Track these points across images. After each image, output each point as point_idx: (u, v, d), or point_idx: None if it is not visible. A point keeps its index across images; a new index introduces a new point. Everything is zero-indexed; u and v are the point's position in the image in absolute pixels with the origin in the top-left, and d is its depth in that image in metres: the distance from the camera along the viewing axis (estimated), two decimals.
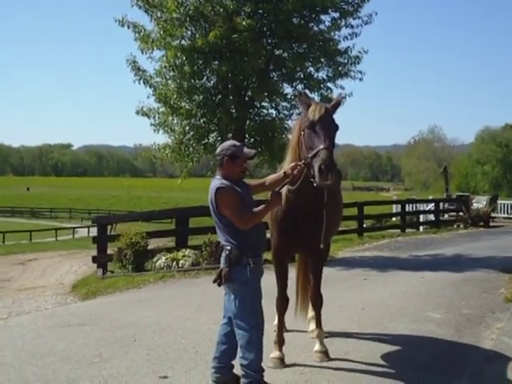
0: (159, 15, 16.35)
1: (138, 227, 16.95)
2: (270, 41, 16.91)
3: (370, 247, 20.79)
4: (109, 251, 17.02)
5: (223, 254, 5.93)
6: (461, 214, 30.04)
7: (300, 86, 17.19)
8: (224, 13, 15.78)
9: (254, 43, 15.67)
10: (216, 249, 14.18)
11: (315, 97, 16.68)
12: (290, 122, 17.41)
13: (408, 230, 27.10)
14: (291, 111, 17.49)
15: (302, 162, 6.33)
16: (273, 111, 17.62)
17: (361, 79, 17.44)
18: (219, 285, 5.91)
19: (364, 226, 25.64)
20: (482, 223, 29.39)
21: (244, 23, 15.34)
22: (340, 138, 6.41)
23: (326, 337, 7.68)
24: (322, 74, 17.24)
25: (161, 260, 15.43)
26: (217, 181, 5.92)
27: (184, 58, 16.05)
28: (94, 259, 17.45)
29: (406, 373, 6.64)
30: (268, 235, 7.30)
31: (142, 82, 16.77)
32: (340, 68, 17.01)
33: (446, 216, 32.11)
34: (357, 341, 7.99)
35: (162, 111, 16.94)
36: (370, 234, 24.44)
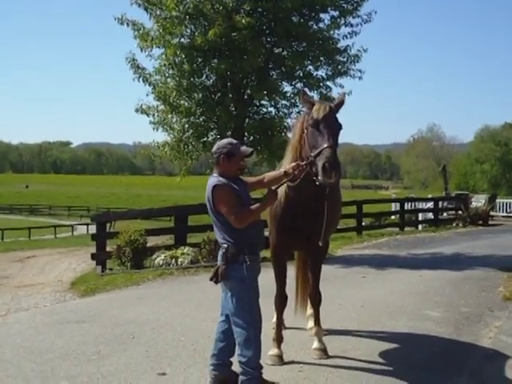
0: (158, 13, 16.35)
1: (137, 225, 16.96)
2: (269, 39, 16.91)
3: (368, 245, 20.79)
4: (108, 248, 17.01)
5: (220, 252, 5.94)
6: (460, 212, 30.05)
7: (299, 85, 17.20)
8: (223, 11, 15.78)
9: (254, 41, 15.66)
10: (215, 246, 14.18)
11: (314, 95, 16.71)
12: (289, 121, 17.46)
13: (407, 229, 27.13)
14: (290, 109, 17.51)
15: (304, 162, 6.33)
16: (272, 109, 17.65)
17: (360, 78, 17.47)
18: (216, 282, 5.91)
19: (363, 224, 25.66)
20: (480, 222, 29.40)
21: (243, 21, 15.33)
22: (339, 137, 6.41)
23: (325, 334, 7.68)
24: (321, 73, 17.28)
25: (160, 257, 15.43)
26: (214, 178, 5.93)
27: (183, 56, 16.05)
28: (93, 256, 17.46)
29: (405, 371, 6.64)
30: (266, 233, 7.31)
31: (141, 79, 16.78)
32: (339, 66, 17.02)
33: (445, 215, 32.15)
34: (355, 338, 8.00)
35: (161, 109, 16.94)
36: (368, 233, 24.49)
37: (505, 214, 35.91)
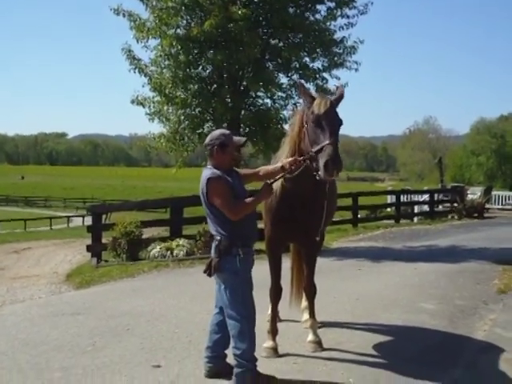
0: (154, 4, 16.32)
1: (132, 216, 16.93)
2: (265, 30, 16.91)
3: (364, 238, 20.81)
4: (103, 240, 16.99)
5: (213, 245, 5.96)
6: (455, 204, 30.06)
7: (295, 76, 17.19)
8: (220, 1, 15.73)
9: (250, 33, 15.62)
10: (210, 238, 14.04)
11: (311, 87, 16.70)
12: (285, 112, 17.47)
13: (402, 221, 27.16)
14: (286, 101, 17.50)
15: (302, 157, 6.32)
16: (268, 101, 17.65)
17: (356, 69, 17.46)
18: (209, 275, 5.93)
19: (358, 216, 25.68)
20: (476, 214, 29.43)
21: (240, 12, 15.32)
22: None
23: (320, 327, 7.69)
24: (317, 64, 17.27)
25: (155, 249, 15.43)
26: (208, 171, 5.92)
27: (179, 46, 16.03)
28: (89, 248, 17.44)
29: (399, 363, 6.65)
30: (261, 225, 7.31)
31: (137, 71, 16.74)
32: (335, 58, 17.01)
33: (441, 207, 32.16)
34: (350, 331, 8.01)
35: (157, 100, 16.91)
36: (364, 225, 24.48)
37: (500, 206, 35.97)
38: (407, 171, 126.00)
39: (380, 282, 11.82)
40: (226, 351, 6.14)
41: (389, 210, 30.40)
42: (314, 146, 6.14)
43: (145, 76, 16.71)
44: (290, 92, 17.40)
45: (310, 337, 7.20)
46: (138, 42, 16.54)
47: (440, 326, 8.40)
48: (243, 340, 5.80)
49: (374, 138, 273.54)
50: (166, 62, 16.49)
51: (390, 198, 31.45)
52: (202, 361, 6.19)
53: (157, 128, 18.14)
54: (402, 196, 29.83)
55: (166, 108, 16.99)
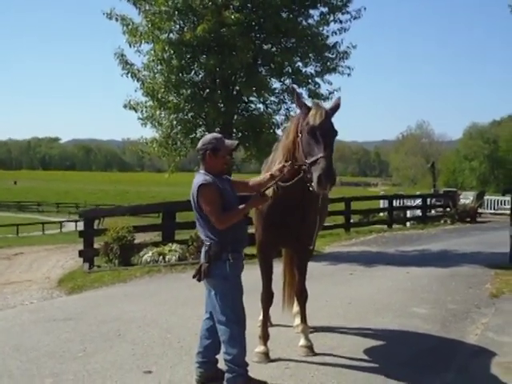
0: (147, 8, 16.33)
1: (125, 221, 16.89)
2: (258, 35, 16.91)
3: (357, 242, 20.82)
4: (96, 245, 16.94)
5: (203, 250, 5.95)
6: (448, 209, 30.12)
7: (288, 81, 17.23)
8: (213, 6, 15.74)
9: (243, 37, 15.64)
10: (202, 244, 14.15)
11: (303, 92, 16.79)
12: (277, 117, 17.49)
13: (395, 226, 27.19)
14: (279, 106, 17.55)
15: (289, 162, 6.33)
16: (261, 106, 17.68)
17: (349, 74, 17.56)
18: (199, 280, 5.92)
19: (351, 221, 25.71)
20: (468, 219, 29.51)
21: (232, 17, 15.34)
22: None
23: (312, 332, 7.68)
24: (310, 69, 17.31)
25: (147, 254, 15.40)
26: (200, 176, 5.90)
27: (172, 51, 16.04)
28: (81, 253, 17.38)
29: (391, 368, 6.64)
30: (252, 230, 7.30)
31: (129, 75, 16.73)
32: (328, 63, 17.06)
33: (433, 212, 32.19)
34: (342, 336, 8.00)
35: (149, 105, 16.91)
36: (357, 229, 24.49)
37: (493, 211, 36.06)
38: (400, 176, 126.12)
39: (372, 286, 11.82)
40: (217, 356, 6.11)
41: (381, 214, 30.43)
42: (309, 158, 6.12)
43: (137, 81, 16.73)
44: (282, 97, 17.46)
45: (302, 341, 7.19)
46: (130, 46, 16.56)
47: (432, 330, 8.40)
48: (234, 345, 5.78)
49: (367, 143, 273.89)
50: (159, 67, 16.48)
51: (383, 203, 31.49)
52: (194, 366, 6.17)
53: (149, 133, 18.18)
54: (394, 201, 29.88)
55: (158, 113, 17.00)
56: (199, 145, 6.05)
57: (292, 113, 16.81)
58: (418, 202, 31.57)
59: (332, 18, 17.06)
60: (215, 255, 5.80)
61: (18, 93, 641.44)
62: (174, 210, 17.50)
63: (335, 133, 6.34)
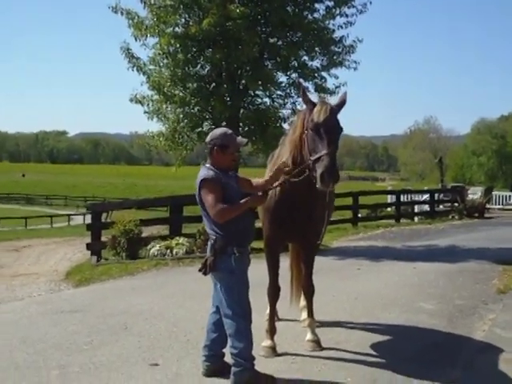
0: (153, 2, 16.27)
1: (132, 215, 16.89)
2: (264, 29, 16.89)
3: (364, 237, 20.80)
4: (103, 238, 16.97)
5: (209, 243, 5.94)
6: (456, 204, 30.05)
7: (294, 75, 17.21)
8: (218, 0, 15.69)
9: (248, 31, 15.61)
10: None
11: (309, 86, 16.79)
12: (284, 111, 17.47)
13: (403, 221, 27.15)
14: (285, 100, 17.54)
15: (283, 161, 6.40)
16: (267, 100, 17.64)
17: (355, 68, 17.56)
18: (204, 274, 5.92)
19: (359, 215, 25.69)
20: (476, 214, 29.44)
21: (238, 11, 15.30)
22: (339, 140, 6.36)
23: (318, 326, 7.66)
24: (316, 63, 17.31)
25: (155, 248, 15.42)
26: (204, 170, 5.90)
27: (177, 45, 16.03)
28: (88, 246, 17.41)
29: (397, 363, 6.62)
30: (259, 224, 7.30)
31: (135, 69, 16.73)
32: (334, 57, 17.04)
33: (441, 207, 32.12)
34: (349, 330, 7.99)
35: (155, 99, 16.91)
36: (364, 224, 24.48)
37: (501, 206, 36.01)
38: (408, 171, 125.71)
39: (379, 281, 11.80)
40: (224, 350, 6.12)
41: (389, 209, 30.40)
42: (313, 155, 6.13)
43: (143, 74, 16.73)
44: (288, 91, 17.44)
45: (309, 336, 7.18)
46: (136, 40, 16.54)
47: (439, 325, 8.37)
48: (240, 339, 5.79)
49: (375, 138, 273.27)
50: (165, 61, 16.48)
51: (391, 198, 31.46)
52: (200, 359, 6.18)
53: (156, 126, 18.18)
54: (402, 196, 29.84)
55: (164, 106, 17.00)
56: (208, 138, 6.05)
57: (298, 107, 16.78)
58: (426, 197, 31.50)
59: (338, 12, 17.04)
60: (221, 249, 5.80)
61: (26, 86, 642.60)
62: (181, 204, 17.52)
63: (340, 130, 6.33)
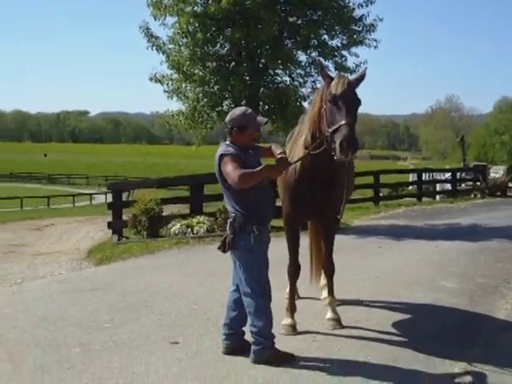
0: None
1: (153, 193, 16.93)
2: (283, 8, 16.77)
3: (385, 216, 20.70)
4: (124, 217, 17.04)
5: (228, 221, 5.91)
6: (478, 183, 29.81)
7: (314, 54, 17.12)
8: None
9: (268, 10, 15.51)
10: None
11: (329, 64, 16.72)
12: (304, 90, 17.40)
13: (424, 199, 26.99)
14: (305, 79, 17.47)
15: (283, 150, 6.20)
16: (287, 79, 17.58)
17: (375, 47, 17.40)
18: (224, 251, 5.90)
19: (380, 194, 25.57)
20: (498, 193, 29.16)
21: None
22: (357, 112, 6.29)
23: (339, 305, 7.64)
24: (336, 42, 17.16)
25: (175, 226, 15.45)
26: (222, 147, 5.87)
27: (197, 24, 15.99)
28: (109, 225, 17.51)
29: (418, 342, 6.59)
30: (279, 203, 7.27)
31: (154, 48, 16.72)
32: (355, 36, 16.89)
33: (463, 185, 31.88)
34: (369, 309, 7.96)
35: (175, 78, 16.92)
36: (386, 203, 24.38)
37: None
38: (429, 149, 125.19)
39: (401, 259, 11.75)
40: (244, 328, 6.11)
41: (410, 188, 30.25)
42: (331, 127, 6.07)
43: (163, 54, 16.72)
44: (308, 69, 17.35)
45: (329, 314, 7.17)
46: (155, 19, 16.55)
47: (460, 304, 8.32)
48: (260, 317, 5.79)
49: (395, 117, 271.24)
50: (184, 40, 16.41)
51: (412, 177, 31.29)
52: (220, 337, 6.18)
53: (176, 106, 18.13)
54: (424, 174, 29.67)
55: (184, 85, 16.99)
56: (227, 118, 6.01)
57: (319, 85, 16.66)
58: (448, 175, 31.29)
59: None
60: (240, 227, 5.77)
61: (48, 66, 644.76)
62: (201, 183, 17.50)
63: (358, 102, 6.26)
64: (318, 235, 7.96)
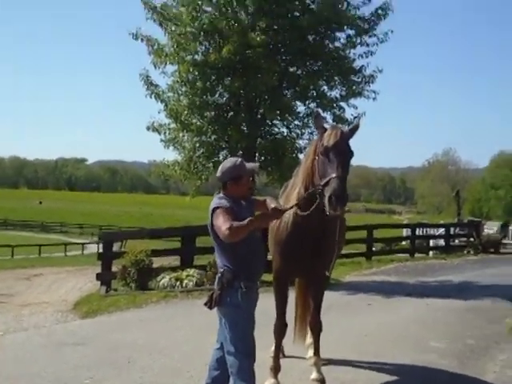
0: (173, 29, 16.30)
1: (146, 244, 16.78)
2: (283, 57, 16.85)
3: (377, 271, 20.54)
4: (114, 268, 16.84)
5: (217, 277, 5.78)
6: (471, 239, 29.73)
7: (312, 105, 17.13)
8: (238, 28, 15.71)
9: (268, 59, 15.62)
10: None
11: (327, 116, 16.67)
12: (301, 142, 17.38)
13: (417, 255, 26.83)
14: (303, 130, 17.39)
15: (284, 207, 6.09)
16: (284, 129, 17.54)
17: (374, 99, 17.37)
18: (210, 308, 5.74)
19: (373, 249, 25.44)
20: (492, 250, 29.07)
21: (258, 39, 15.31)
22: (353, 159, 6.27)
23: (324, 364, 7.50)
24: (335, 93, 17.14)
25: (165, 279, 15.27)
26: (216, 199, 5.76)
27: (196, 73, 16.05)
28: (98, 276, 17.25)
29: None
30: (269, 257, 7.17)
31: (153, 96, 16.76)
32: (354, 87, 16.91)
33: (457, 241, 31.76)
34: (356, 369, 7.83)
35: (172, 127, 16.89)
36: (378, 258, 24.21)
37: None
38: (425, 203, 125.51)
39: (390, 317, 11.61)
40: None
41: (404, 243, 30.14)
42: (322, 179, 6.00)
43: (161, 102, 16.73)
44: (306, 121, 17.30)
45: (314, 375, 7.03)
46: (155, 67, 16.60)
47: (449, 366, 8.19)
48: (243, 378, 5.61)
49: (392, 169, 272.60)
50: (183, 89, 16.44)
51: (406, 232, 31.21)
52: None
53: (172, 155, 18.10)
54: (417, 229, 29.60)
55: (181, 135, 16.97)
56: (218, 173, 5.90)
57: (315, 137, 16.64)
58: (442, 231, 31.21)
59: (359, 41, 16.92)
60: (228, 282, 5.62)
61: (46, 113, 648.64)
62: (193, 234, 17.35)
63: (351, 153, 6.19)
64: (305, 292, 7.87)
